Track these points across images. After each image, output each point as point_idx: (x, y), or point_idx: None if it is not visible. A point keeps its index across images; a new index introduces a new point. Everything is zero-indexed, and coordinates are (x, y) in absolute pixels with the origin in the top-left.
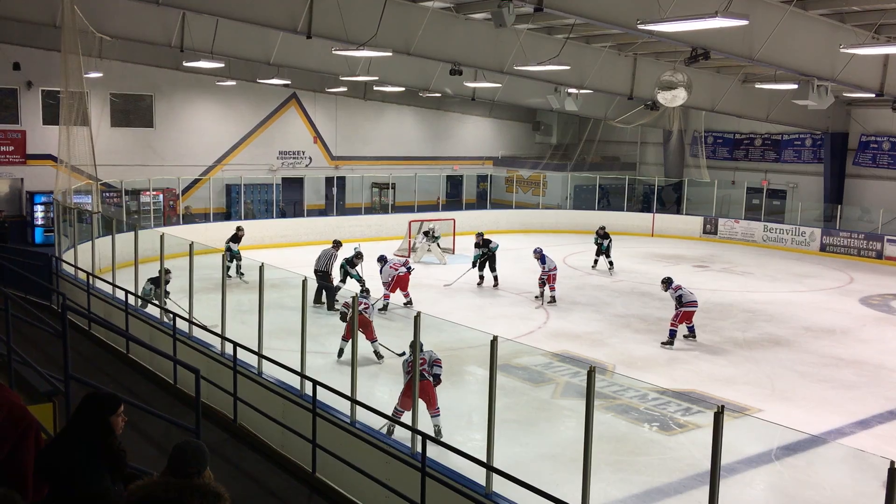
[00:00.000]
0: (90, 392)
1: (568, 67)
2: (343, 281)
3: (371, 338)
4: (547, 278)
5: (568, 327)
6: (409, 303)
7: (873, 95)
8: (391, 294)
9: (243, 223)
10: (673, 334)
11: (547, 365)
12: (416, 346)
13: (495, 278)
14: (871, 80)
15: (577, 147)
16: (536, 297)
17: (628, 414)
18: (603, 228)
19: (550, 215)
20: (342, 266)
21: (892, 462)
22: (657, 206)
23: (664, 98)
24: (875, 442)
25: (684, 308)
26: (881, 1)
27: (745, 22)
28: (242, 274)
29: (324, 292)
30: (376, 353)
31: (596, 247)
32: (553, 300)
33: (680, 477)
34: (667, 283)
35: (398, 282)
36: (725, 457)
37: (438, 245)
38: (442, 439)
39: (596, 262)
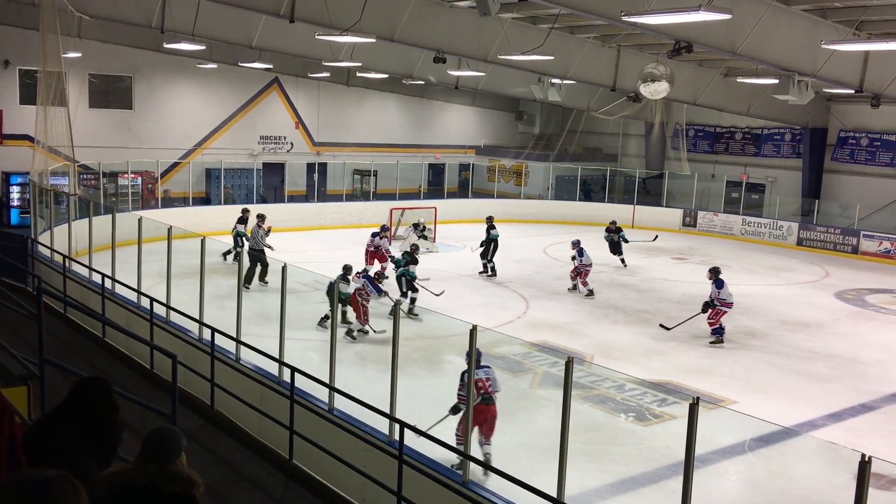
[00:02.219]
0: (94, 376)
1: (552, 57)
2: (407, 287)
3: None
4: (582, 273)
5: (547, 317)
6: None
7: (853, 91)
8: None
9: (222, 207)
10: (718, 331)
11: (526, 355)
12: (471, 357)
13: (490, 268)
14: (851, 77)
15: (560, 137)
16: (569, 289)
17: (605, 404)
18: (614, 223)
19: (532, 205)
20: (399, 262)
21: (863, 455)
22: (638, 198)
23: (647, 90)
24: (847, 435)
25: (720, 307)
26: None
27: (728, 16)
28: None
29: (257, 270)
30: (355, 331)
31: (608, 244)
32: (591, 293)
33: (655, 467)
34: (715, 272)
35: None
36: (700, 447)
37: (426, 237)
38: (489, 476)
39: (623, 260)
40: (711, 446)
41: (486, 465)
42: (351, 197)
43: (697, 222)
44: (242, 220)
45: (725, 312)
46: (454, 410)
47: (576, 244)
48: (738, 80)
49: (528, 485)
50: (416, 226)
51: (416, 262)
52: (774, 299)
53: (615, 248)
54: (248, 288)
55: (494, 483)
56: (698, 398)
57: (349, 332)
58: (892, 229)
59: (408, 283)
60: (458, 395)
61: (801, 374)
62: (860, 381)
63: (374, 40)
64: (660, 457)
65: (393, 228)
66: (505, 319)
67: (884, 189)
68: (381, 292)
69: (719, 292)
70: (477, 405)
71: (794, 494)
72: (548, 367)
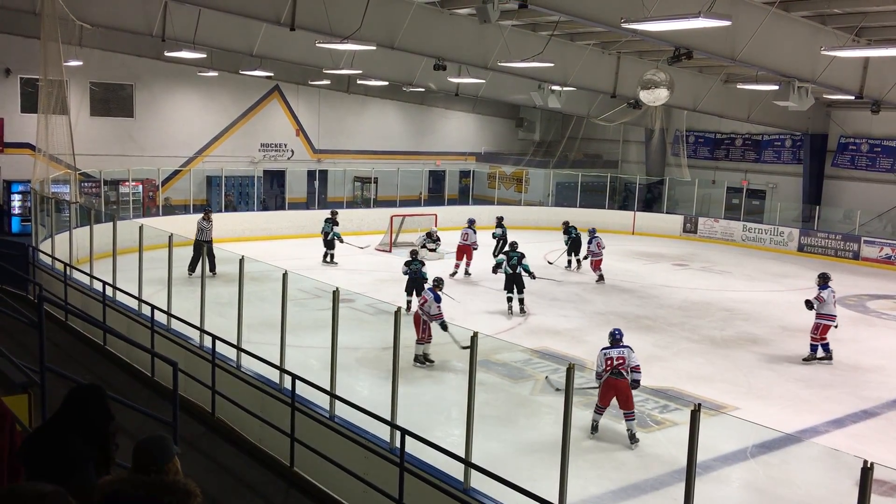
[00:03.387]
0: (89, 384)
1: (552, 64)
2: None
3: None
4: (592, 262)
5: (548, 324)
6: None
7: (853, 97)
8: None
9: (223, 215)
10: (815, 349)
11: (526, 361)
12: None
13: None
14: (851, 83)
15: (560, 144)
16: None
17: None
18: (566, 223)
19: (532, 212)
20: (513, 258)
21: (865, 461)
22: (638, 205)
23: (646, 97)
24: (849, 441)
25: (822, 321)
26: (862, 4)
27: (727, 23)
28: (336, 263)
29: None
30: (424, 356)
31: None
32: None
33: (657, 473)
34: (824, 279)
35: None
36: (701, 454)
37: (431, 249)
38: (635, 445)
39: (569, 262)
40: (713, 453)
41: (631, 438)
42: (351, 204)
43: (698, 228)
44: (334, 221)
45: (827, 327)
46: (598, 377)
47: (591, 233)
48: (737, 87)
49: (530, 492)
50: (429, 234)
51: (523, 255)
52: (775, 305)
53: (576, 248)
54: (191, 274)
55: (496, 490)
56: (700, 405)
57: (422, 359)
58: (892, 235)
59: (521, 279)
60: (596, 372)
61: (803, 381)
62: (862, 387)
63: (374, 48)
64: (662, 463)
65: (393, 236)
66: (506, 326)
67: (884, 195)
68: (439, 300)
69: (818, 293)
70: (607, 378)
71: (796, 501)
72: (549, 373)
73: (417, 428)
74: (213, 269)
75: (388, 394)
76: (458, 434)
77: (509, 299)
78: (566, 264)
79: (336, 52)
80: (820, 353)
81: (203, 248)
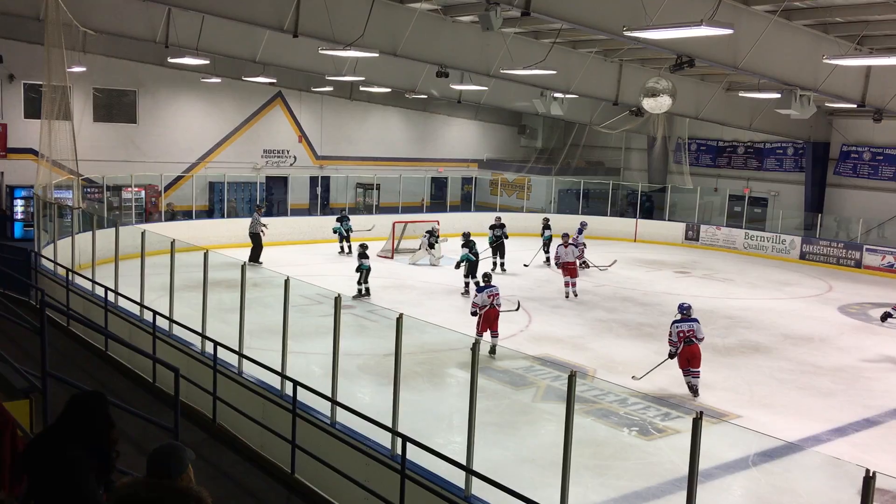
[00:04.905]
0: (92, 390)
1: (554, 72)
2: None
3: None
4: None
5: (550, 331)
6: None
7: (855, 106)
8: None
9: (225, 221)
10: None
11: (528, 368)
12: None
13: (500, 265)
14: (853, 91)
15: (562, 151)
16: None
17: (608, 418)
18: (546, 219)
19: (535, 219)
20: (473, 247)
21: (868, 470)
22: (640, 212)
23: (649, 104)
24: (851, 450)
25: None
26: (864, 13)
27: (730, 31)
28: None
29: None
30: (492, 347)
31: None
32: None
33: (658, 482)
34: None
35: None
36: (703, 462)
37: (433, 245)
38: (697, 398)
39: (547, 259)
40: (715, 461)
41: (692, 391)
42: (354, 210)
43: (700, 236)
44: (347, 217)
45: None
46: (671, 356)
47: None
48: (739, 95)
49: (531, 499)
50: (430, 233)
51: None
52: (778, 313)
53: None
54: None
55: (497, 497)
56: (702, 412)
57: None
58: (895, 243)
59: (470, 267)
60: (669, 340)
61: (805, 389)
62: (864, 395)
63: (377, 55)
64: (663, 472)
65: (396, 242)
66: (507, 333)
67: (887, 203)
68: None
69: None
70: (683, 348)
71: None
72: (550, 380)
73: (419, 435)
74: (253, 258)
75: (390, 400)
76: (459, 441)
77: (476, 284)
78: (545, 261)
79: (339, 58)
80: None
81: (253, 240)
